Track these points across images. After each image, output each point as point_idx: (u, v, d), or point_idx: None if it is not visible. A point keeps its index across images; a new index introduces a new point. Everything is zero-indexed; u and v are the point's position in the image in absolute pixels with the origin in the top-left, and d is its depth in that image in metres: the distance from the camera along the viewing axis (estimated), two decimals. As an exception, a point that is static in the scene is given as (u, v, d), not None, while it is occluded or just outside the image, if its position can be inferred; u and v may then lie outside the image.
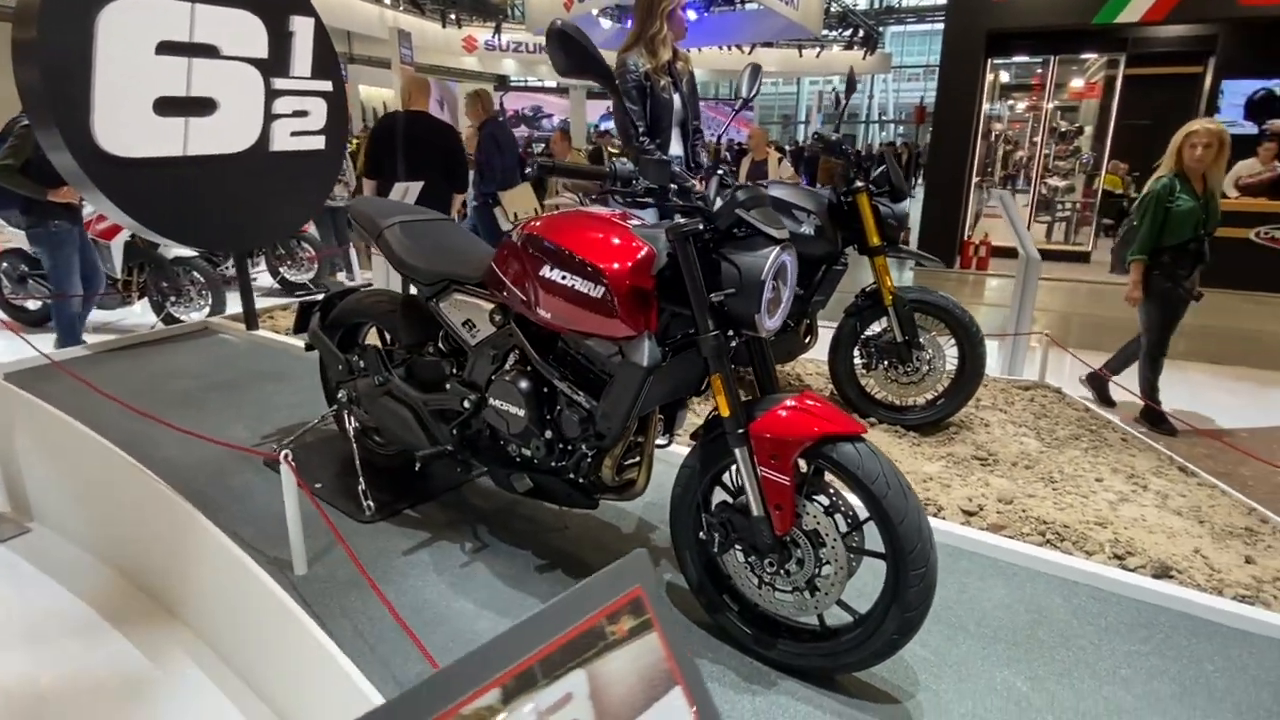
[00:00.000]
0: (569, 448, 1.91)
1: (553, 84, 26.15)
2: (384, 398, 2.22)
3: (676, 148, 3.09)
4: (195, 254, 5.40)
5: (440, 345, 2.18)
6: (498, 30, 20.19)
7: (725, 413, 1.63)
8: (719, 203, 1.61)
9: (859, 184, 2.95)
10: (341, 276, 6.96)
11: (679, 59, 3.09)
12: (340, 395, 2.43)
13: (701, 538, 1.79)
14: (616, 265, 1.66)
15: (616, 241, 1.70)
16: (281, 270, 6.50)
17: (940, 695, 1.71)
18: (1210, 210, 3.97)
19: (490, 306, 1.99)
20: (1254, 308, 7.43)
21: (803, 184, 3.62)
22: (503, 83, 24.48)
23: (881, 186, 3.00)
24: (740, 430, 1.62)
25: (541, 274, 1.75)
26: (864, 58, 22.23)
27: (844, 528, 1.62)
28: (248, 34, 3.34)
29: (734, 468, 1.68)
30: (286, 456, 1.92)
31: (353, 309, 2.46)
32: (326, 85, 3.74)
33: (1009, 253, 9.21)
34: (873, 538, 1.61)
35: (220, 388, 3.26)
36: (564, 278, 1.71)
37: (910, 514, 1.54)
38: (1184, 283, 4.03)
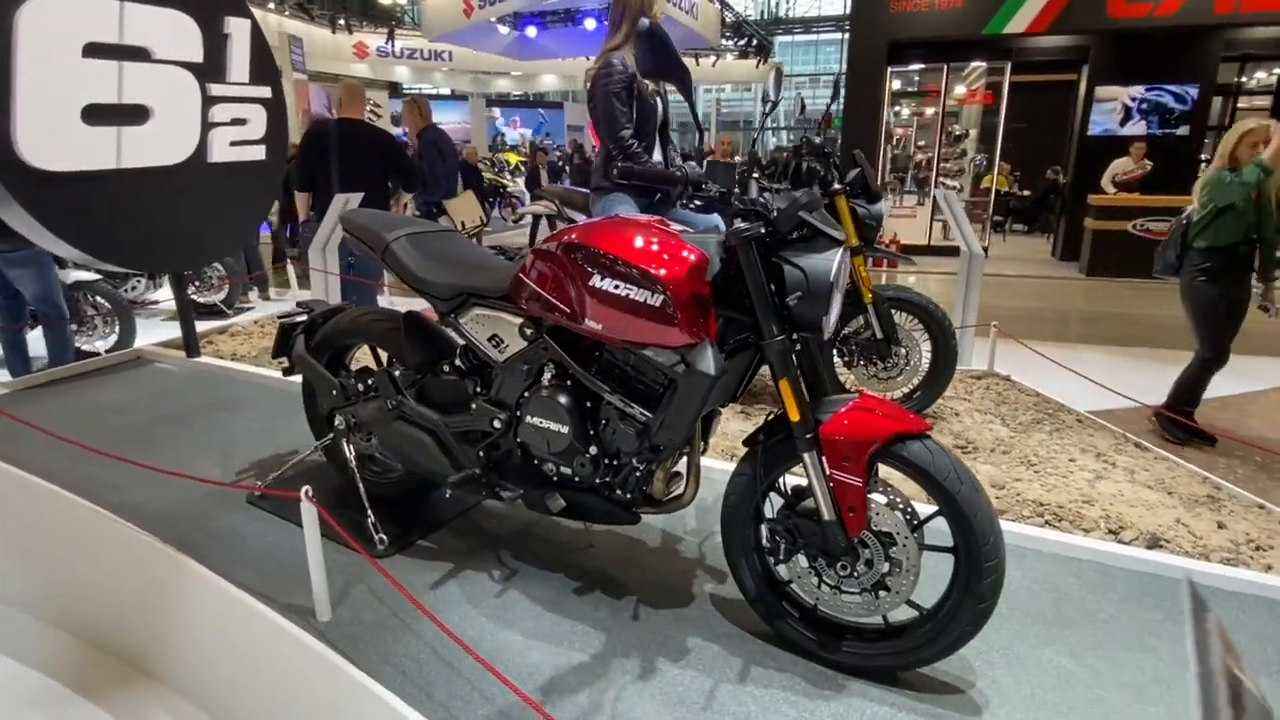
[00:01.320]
0: (614, 463, 1.84)
1: (447, 91, 25.56)
2: (398, 423, 2.08)
3: (656, 154, 3.06)
4: (96, 277, 4.92)
5: (459, 363, 2.06)
6: (391, 37, 19.56)
7: (795, 417, 1.62)
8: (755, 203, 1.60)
9: (837, 186, 3.02)
10: (254, 297, 6.53)
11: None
12: (337, 422, 2.26)
13: (761, 546, 1.77)
14: (675, 272, 1.61)
15: (670, 248, 1.66)
16: (190, 292, 6.01)
17: (999, 682, 1.76)
18: (1264, 214, 3.72)
19: (519, 320, 1.89)
20: (1133, 293, 8.12)
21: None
22: (395, 90, 23.71)
23: (858, 189, 3.08)
24: (809, 435, 1.61)
25: (592, 284, 1.68)
26: (757, 66, 22.93)
27: (909, 525, 1.64)
28: (181, 36, 3.07)
29: (780, 474, 1.66)
30: (308, 493, 1.76)
31: (345, 329, 2.29)
32: (265, 91, 3.49)
33: (915, 250, 9.71)
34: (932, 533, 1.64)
35: (169, 421, 2.97)
36: (617, 287, 1.65)
37: (982, 508, 1.57)
38: (1233, 289, 3.76)
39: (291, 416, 2.97)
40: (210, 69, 3.21)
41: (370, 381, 2.19)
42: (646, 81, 2.84)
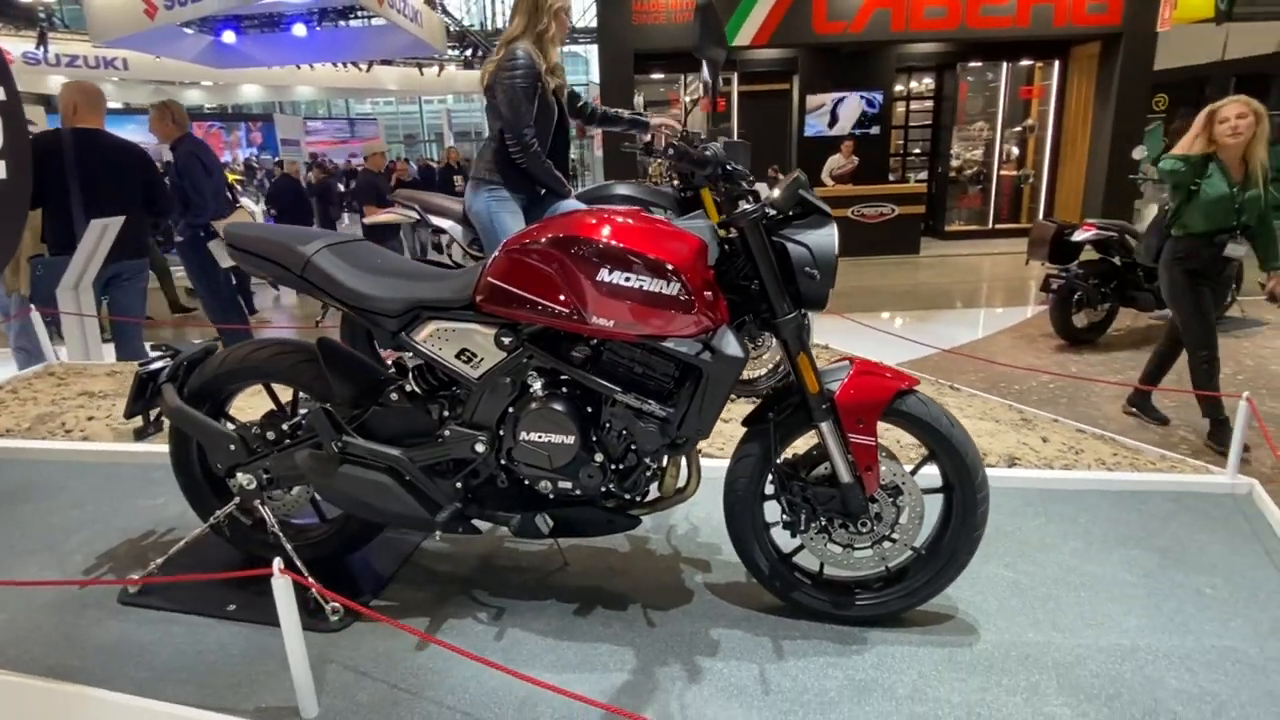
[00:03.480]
0: (620, 467, 1.76)
1: (120, 105, 21.86)
2: (345, 467, 1.76)
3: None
4: None
5: (411, 388, 1.81)
6: (43, 41, 16.22)
7: (814, 389, 1.68)
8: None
9: (700, 178, 3.14)
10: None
11: (557, 70, 2.91)
12: (242, 482, 1.86)
13: (767, 524, 1.80)
14: (686, 259, 1.59)
15: (672, 235, 1.63)
16: None
17: (971, 599, 1.97)
18: (1249, 200, 3.40)
19: (493, 330, 1.72)
20: (860, 269, 9.45)
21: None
22: (50, 104, 19.69)
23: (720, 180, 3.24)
24: (826, 404, 1.68)
25: (599, 279, 1.58)
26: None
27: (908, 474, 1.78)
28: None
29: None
30: (280, 566, 1.44)
31: (233, 371, 1.90)
32: (-3, 94, 2.74)
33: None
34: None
35: (-66, 529, 2.22)
36: (628, 279, 1.58)
37: (970, 446, 1.76)
38: (1212, 278, 3.60)
39: (114, 494, 2.44)
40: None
41: (292, 425, 1.84)
42: (549, 79, 2.74)
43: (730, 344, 1.61)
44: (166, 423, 1.98)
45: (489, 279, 1.69)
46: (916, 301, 7.46)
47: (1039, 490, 2.60)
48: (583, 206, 2.97)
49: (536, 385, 1.73)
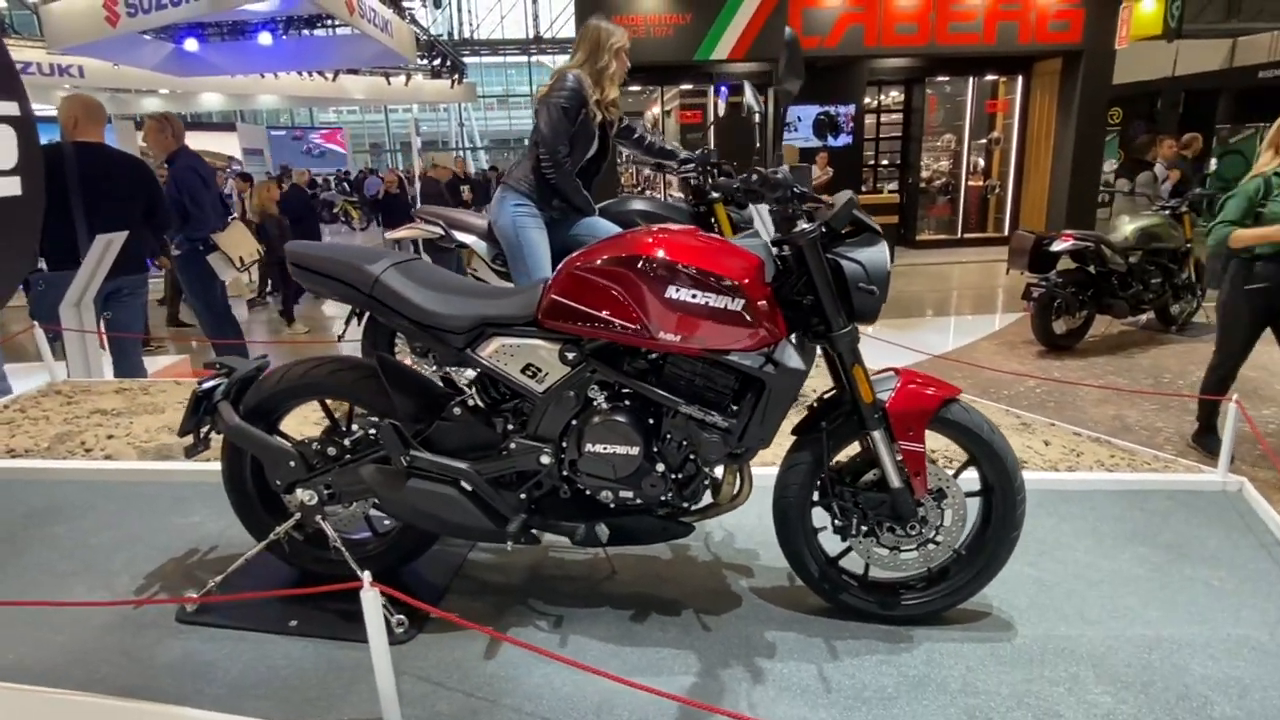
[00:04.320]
0: (680, 476, 1.82)
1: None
2: (414, 481, 1.80)
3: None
4: None
5: (474, 402, 1.85)
6: (-5, 46, 15.71)
7: (868, 399, 1.76)
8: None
9: (714, 195, 3.25)
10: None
11: (615, 105, 3.05)
12: (302, 498, 1.88)
13: (815, 529, 1.88)
14: (748, 276, 1.67)
15: (733, 253, 1.71)
16: None
17: (999, 596, 2.07)
18: None
19: (557, 346, 1.77)
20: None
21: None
22: None
23: (729, 196, 3.34)
24: (879, 413, 1.77)
25: (668, 296, 1.65)
26: (451, 87, 22.69)
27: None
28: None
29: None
30: (370, 579, 1.47)
31: (292, 388, 1.92)
32: (12, 108, 2.70)
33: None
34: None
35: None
36: (695, 296, 1.65)
37: (1010, 451, 1.86)
38: (1272, 299, 3.44)
39: (147, 513, 2.44)
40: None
41: (360, 438, 1.87)
42: (598, 110, 2.86)
43: (792, 357, 1.69)
44: (215, 440, 1.99)
45: (553, 296, 1.75)
46: (895, 309, 7.65)
47: (1047, 491, 2.71)
48: (606, 223, 3.05)
49: (600, 398, 1.79)
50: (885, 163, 11.97)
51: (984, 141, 11.80)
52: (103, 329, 3.77)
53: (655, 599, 2.04)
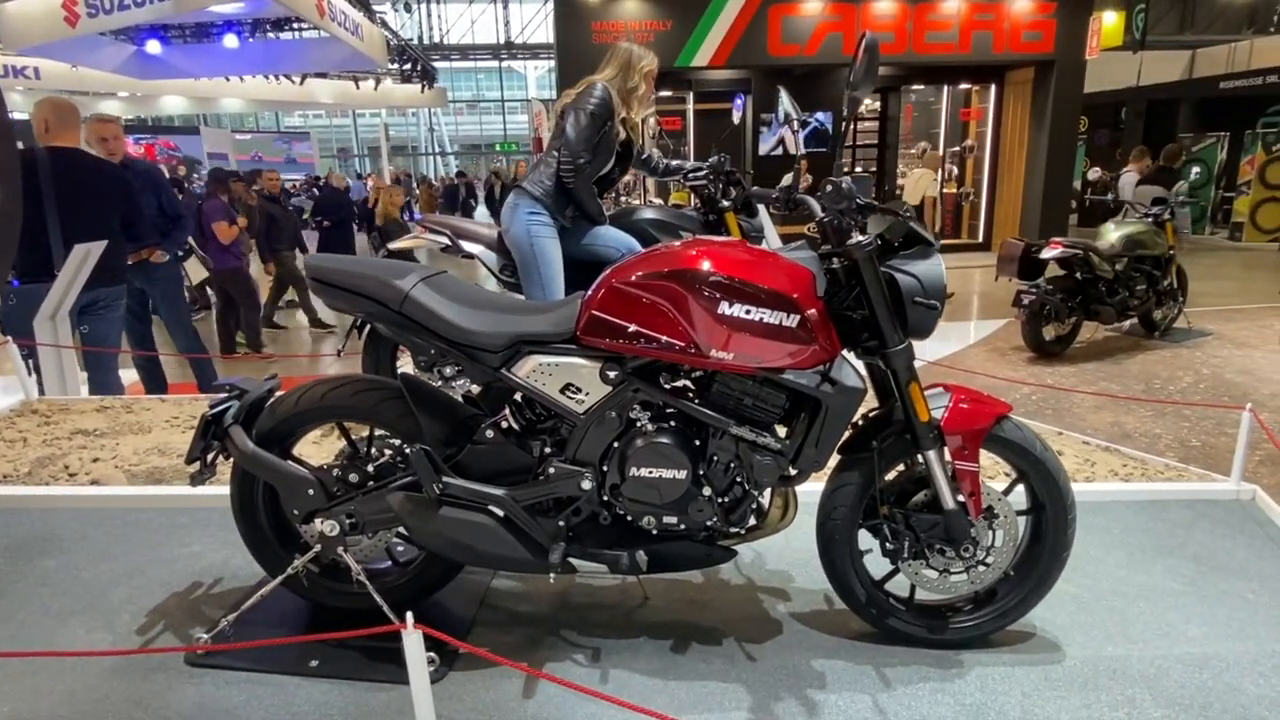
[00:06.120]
0: (726, 500, 1.74)
1: (24, 116, 20.57)
2: (446, 509, 1.69)
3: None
4: None
5: (507, 425, 1.74)
6: (-57, 46, 15.11)
7: (924, 417, 1.70)
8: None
9: (725, 204, 3.18)
10: None
11: (637, 128, 3.02)
12: (322, 529, 1.75)
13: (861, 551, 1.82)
14: (802, 291, 1.60)
15: (784, 268, 1.64)
16: None
17: (1043, 615, 2.03)
18: None
19: (597, 364, 1.68)
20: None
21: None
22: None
23: (739, 205, 3.28)
24: (934, 432, 1.71)
25: (720, 311, 1.57)
26: (422, 91, 22.41)
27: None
28: None
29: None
30: (411, 619, 1.37)
31: (311, 410, 1.80)
32: (-13, 113, 2.54)
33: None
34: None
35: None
36: (749, 312, 1.58)
37: (1061, 469, 1.81)
38: None
39: (142, 543, 2.30)
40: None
41: (385, 464, 1.76)
42: (620, 127, 2.83)
43: (849, 375, 1.63)
44: (222, 465, 1.86)
45: (593, 312, 1.66)
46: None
47: (1088, 504, 2.67)
48: (618, 233, 2.97)
49: (643, 419, 1.70)
50: (859, 169, 12.06)
51: (958, 149, 11.95)
52: (79, 343, 3.58)
53: (694, 627, 1.95)
